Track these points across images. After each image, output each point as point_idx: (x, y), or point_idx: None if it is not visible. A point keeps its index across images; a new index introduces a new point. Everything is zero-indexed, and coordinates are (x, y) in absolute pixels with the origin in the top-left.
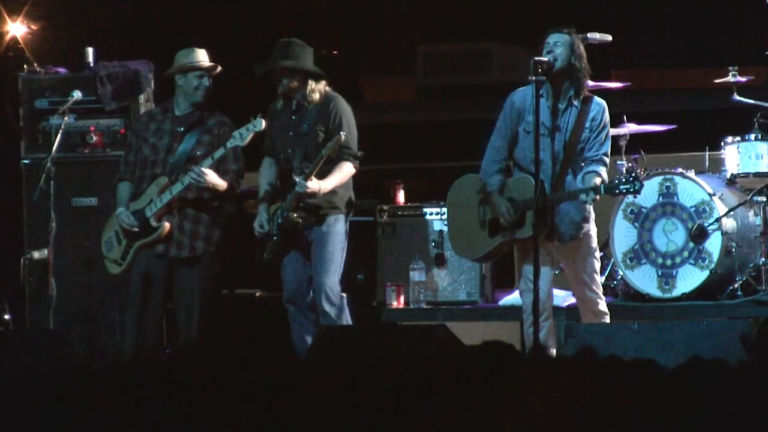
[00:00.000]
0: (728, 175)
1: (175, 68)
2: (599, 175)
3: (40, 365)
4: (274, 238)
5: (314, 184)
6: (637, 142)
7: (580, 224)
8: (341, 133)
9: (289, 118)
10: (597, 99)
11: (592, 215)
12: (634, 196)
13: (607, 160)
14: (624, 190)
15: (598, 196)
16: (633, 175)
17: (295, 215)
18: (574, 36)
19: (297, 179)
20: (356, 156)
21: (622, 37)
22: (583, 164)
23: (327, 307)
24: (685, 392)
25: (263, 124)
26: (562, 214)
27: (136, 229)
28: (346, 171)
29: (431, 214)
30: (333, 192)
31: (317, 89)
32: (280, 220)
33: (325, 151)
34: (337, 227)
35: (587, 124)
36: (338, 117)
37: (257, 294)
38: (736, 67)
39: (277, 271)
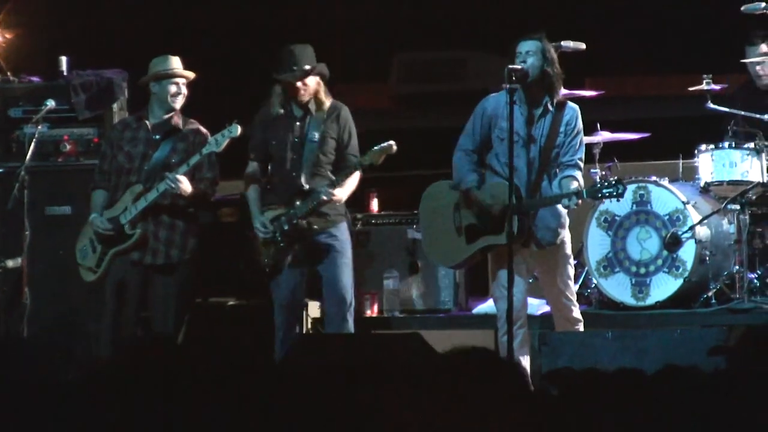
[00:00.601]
0: (702, 183)
1: (149, 76)
2: (576, 180)
3: (15, 375)
4: (281, 244)
5: (340, 192)
6: (610, 150)
7: (556, 230)
8: (390, 142)
9: (293, 124)
10: (570, 104)
11: (567, 222)
12: (618, 200)
13: (582, 165)
14: (607, 194)
15: (580, 201)
16: (616, 178)
17: (305, 222)
18: (545, 41)
19: (321, 188)
20: (363, 164)
21: (596, 45)
22: (558, 170)
23: (350, 312)
24: (659, 400)
25: (239, 129)
26: (538, 220)
27: (111, 233)
28: (356, 179)
29: (405, 222)
30: None
31: (327, 94)
32: (286, 227)
33: (367, 158)
34: (347, 234)
35: (562, 129)
36: (348, 126)
37: (230, 303)
38: (710, 75)
39: (257, 279)
